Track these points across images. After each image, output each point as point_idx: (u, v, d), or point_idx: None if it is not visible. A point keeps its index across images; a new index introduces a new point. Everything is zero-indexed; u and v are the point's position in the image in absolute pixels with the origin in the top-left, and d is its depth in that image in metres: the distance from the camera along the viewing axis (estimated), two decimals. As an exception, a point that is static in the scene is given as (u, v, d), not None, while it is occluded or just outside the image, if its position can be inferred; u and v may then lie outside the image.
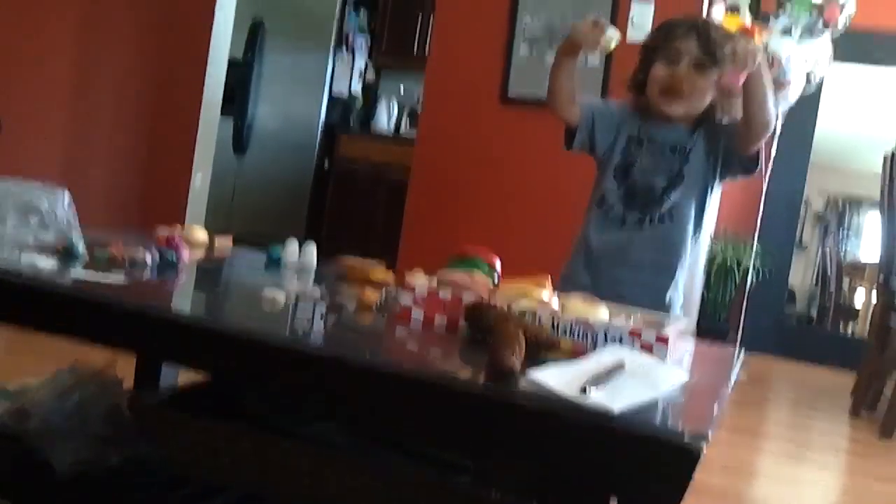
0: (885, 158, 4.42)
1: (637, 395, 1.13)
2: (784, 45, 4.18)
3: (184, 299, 1.70)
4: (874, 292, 5.23)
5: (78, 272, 1.49)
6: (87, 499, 1.59)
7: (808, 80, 4.53)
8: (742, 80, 1.89)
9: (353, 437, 1.56)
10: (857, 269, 7.48)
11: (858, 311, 7.31)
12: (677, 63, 2.03)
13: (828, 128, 6.43)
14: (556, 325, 1.41)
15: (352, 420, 1.34)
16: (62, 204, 1.65)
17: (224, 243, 2.16)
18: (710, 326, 5.73)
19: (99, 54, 4.25)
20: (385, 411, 1.17)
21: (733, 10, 4.65)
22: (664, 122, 2.09)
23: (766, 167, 4.79)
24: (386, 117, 6.37)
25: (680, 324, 1.59)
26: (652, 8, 3.42)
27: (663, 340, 1.36)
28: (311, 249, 2.02)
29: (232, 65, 4.49)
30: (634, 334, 1.37)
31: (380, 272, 1.90)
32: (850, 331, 7.59)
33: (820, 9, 4.23)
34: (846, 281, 7.94)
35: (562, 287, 1.81)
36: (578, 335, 1.40)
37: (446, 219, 3.66)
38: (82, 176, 4.16)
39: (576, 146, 2.17)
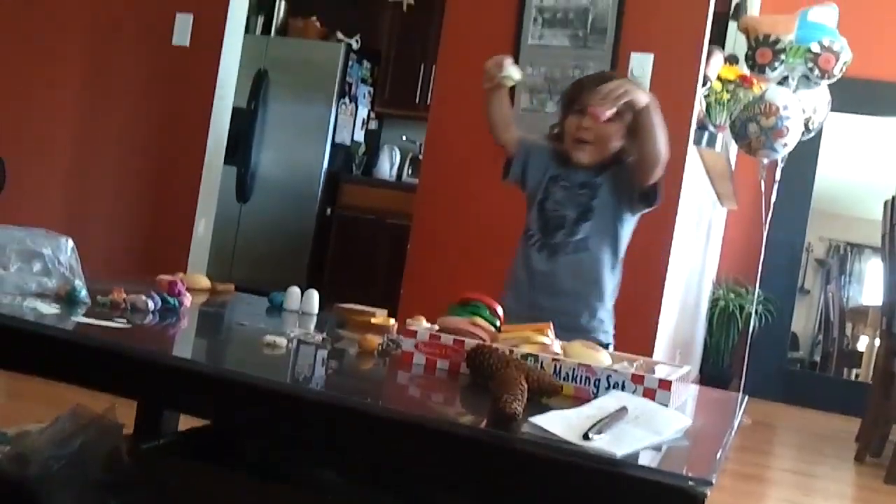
0: (885, 205, 4.44)
1: (640, 440, 1.12)
2: (781, 94, 4.23)
3: (185, 345, 1.70)
4: (877, 338, 5.21)
5: (80, 318, 1.49)
6: (86, 547, 1.57)
7: (808, 128, 4.57)
8: (607, 113, 2.06)
9: (354, 483, 1.55)
10: (860, 315, 7.45)
11: (862, 355, 7.27)
12: (584, 115, 2.21)
13: (828, 175, 6.47)
14: (558, 370, 1.41)
15: (353, 465, 1.33)
16: (65, 250, 1.66)
17: (226, 290, 2.16)
18: (713, 372, 5.71)
19: (104, 102, 4.29)
20: (386, 456, 1.17)
21: (731, 61, 4.71)
22: (579, 165, 2.27)
23: (767, 213, 4.81)
24: (388, 165, 6.41)
25: (682, 369, 1.58)
26: (651, 58, 3.46)
27: (666, 386, 1.36)
28: (313, 296, 2.03)
29: (236, 113, 4.53)
30: (637, 380, 1.37)
31: (381, 318, 1.90)
32: (853, 376, 7.55)
33: (815, 57, 4.28)
34: (849, 326, 7.91)
35: None
36: (581, 380, 1.40)
37: (448, 265, 3.66)
38: (86, 223, 4.17)
39: (510, 178, 2.38)
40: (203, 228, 4.22)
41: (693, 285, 4.69)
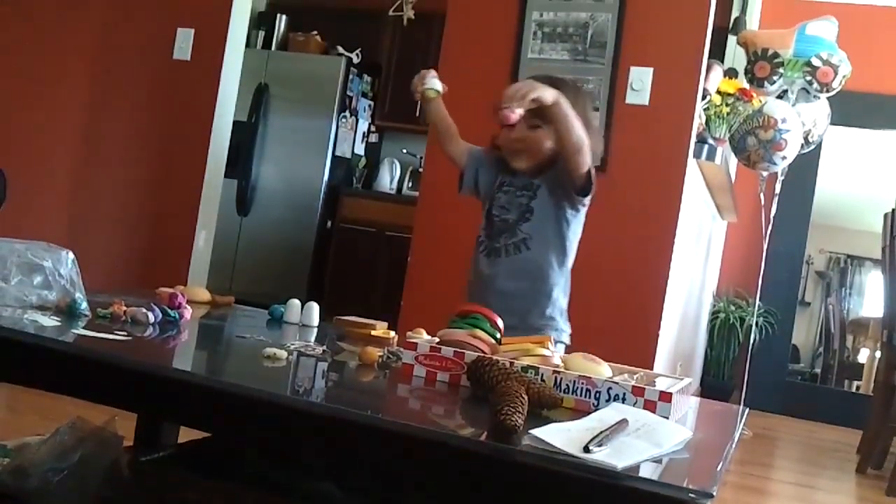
0: (885, 217, 4.44)
1: (641, 452, 1.12)
2: (779, 108, 4.24)
3: (185, 358, 1.70)
4: (878, 350, 5.21)
5: (80, 330, 1.49)
6: (86, 561, 1.57)
7: (807, 141, 4.58)
8: (515, 114, 2.10)
9: (353, 495, 1.55)
10: (861, 327, 7.44)
11: (863, 367, 7.26)
12: (514, 127, 2.25)
13: (828, 188, 6.48)
14: (558, 382, 1.41)
15: (352, 477, 1.33)
16: (66, 263, 1.66)
17: (226, 302, 2.16)
18: (714, 384, 5.70)
19: (106, 115, 4.31)
20: (386, 469, 1.16)
21: (731, 74, 4.72)
22: (519, 171, 2.34)
23: (767, 225, 4.82)
24: (388, 178, 6.42)
25: (683, 381, 1.58)
26: (651, 72, 3.47)
27: (667, 398, 1.36)
28: (313, 308, 2.03)
29: (236, 127, 4.54)
30: (637, 392, 1.37)
31: (381, 330, 1.90)
32: (854, 388, 7.53)
33: (813, 71, 4.29)
34: (850, 338, 7.91)
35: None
36: (581, 393, 1.40)
37: (448, 278, 3.65)
38: (87, 236, 4.18)
39: (464, 190, 2.46)
40: (203, 241, 4.23)
41: (693, 297, 4.69)
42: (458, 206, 3.78)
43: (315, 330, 1.98)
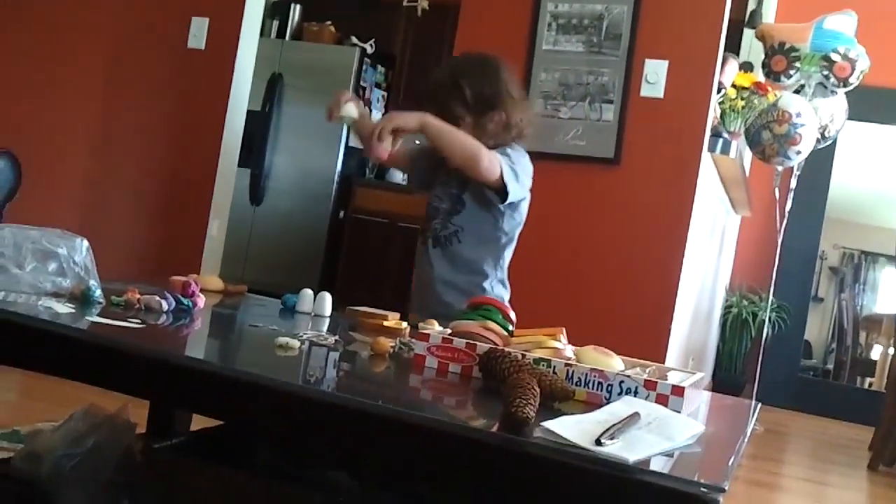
0: (900, 213, 4.41)
1: (653, 446, 1.12)
2: (794, 102, 4.21)
3: (198, 346, 1.70)
4: (891, 346, 5.18)
5: (94, 318, 1.50)
6: (98, 546, 1.58)
7: (824, 136, 4.55)
8: (383, 151, 2.09)
9: (365, 485, 1.55)
10: (874, 323, 7.41)
11: (876, 363, 7.23)
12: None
13: (844, 183, 6.44)
14: (570, 374, 1.40)
15: (363, 467, 1.33)
16: (80, 250, 1.67)
17: (238, 291, 2.17)
18: (726, 379, 5.69)
19: (120, 103, 4.32)
20: (397, 459, 1.17)
21: (746, 68, 4.69)
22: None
23: (782, 221, 4.80)
24: (401, 169, 6.42)
25: (695, 376, 1.58)
26: (666, 65, 3.45)
27: (679, 392, 1.35)
28: (326, 298, 2.03)
29: (250, 116, 4.54)
30: (649, 386, 1.37)
31: (394, 321, 1.90)
32: (867, 384, 7.50)
33: (831, 65, 4.26)
34: (863, 335, 7.87)
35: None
36: (593, 385, 1.39)
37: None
38: (101, 223, 4.19)
39: (416, 189, 2.50)
40: (217, 230, 4.24)
41: (706, 292, 4.67)
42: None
43: (327, 320, 1.99)
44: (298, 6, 6.41)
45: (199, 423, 1.68)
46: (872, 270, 9.61)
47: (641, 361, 1.62)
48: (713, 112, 3.59)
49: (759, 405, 1.80)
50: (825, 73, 4.27)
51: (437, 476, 1.15)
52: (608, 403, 1.32)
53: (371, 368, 1.57)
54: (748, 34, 5.47)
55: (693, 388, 1.45)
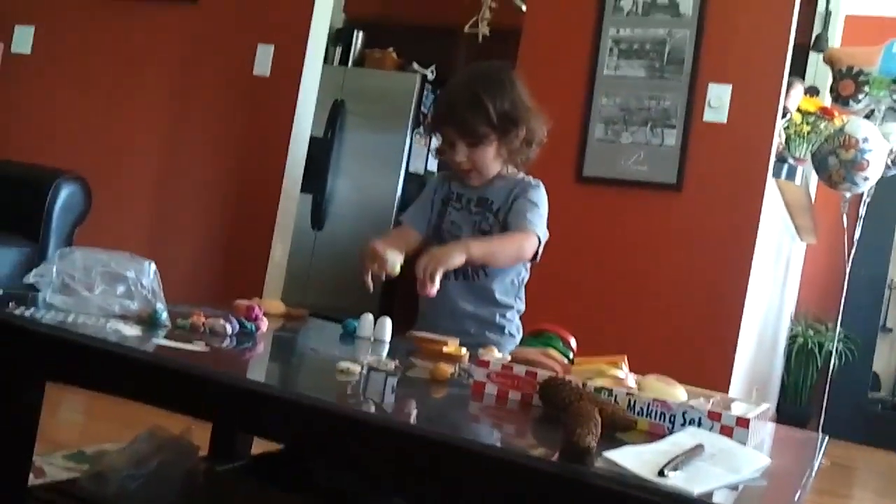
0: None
1: (717, 478, 1.10)
2: (862, 127, 4.13)
3: (260, 369, 1.72)
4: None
5: (161, 340, 1.53)
6: (160, 566, 1.60)
7: (894, 162, 4.45)
8: (433, 290, 1.98)
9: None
10: (947, 356, 7.18)
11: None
12: (453, 149, 2.19)
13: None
14: (632, 404, 1.38)
15: (422, 494, 1.33)
16: (148, 273, 1.70)
17: (300, 315, 2.19)
18: (791, 410, 5.56)
19: (187, 128, 4.41)
20: (456, 486, 1.16)
21: (812, 92, 4.62)
22: (471, 186, 2.25)
23: (850, 248, 4.69)
24: (460, 194, 6.43)
25: (761, 407, 1.54)
26: (729, 90, 3.41)
27: (744, 423, 1.33)
28: (386, 323, 2.04)
29: (313, 142, 4.60)
30: (713, 417, 1.34)
31: (453, 347, 1.90)
32: (938, 419, 7.26)
33: (901, 88, 4.17)
34: (934, 367, 7.63)
35: None
36: (656, 416, 1.37)
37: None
38: (166, 246, 4.27)
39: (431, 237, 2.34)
40: (279, 254, 4.29)
41: (770, 320, 4.58)
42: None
43: (387, 345, 1.99)
44: (361, 32, 6.49)
45: (259, 446, 1.69)
46: (944, 300, 9.32)
47: (705, 391, 1.59)
48: (778, 137, 3.53)
49: (827, 438, 1.75)
50: (895, 97, 4.18)
51: (496, 503, 1.14)
52: (671, 434, 1.30)
53: (430, 394, 1.56)
54: (814, 58, 5.39)
55: (758, 419, 1.42)
